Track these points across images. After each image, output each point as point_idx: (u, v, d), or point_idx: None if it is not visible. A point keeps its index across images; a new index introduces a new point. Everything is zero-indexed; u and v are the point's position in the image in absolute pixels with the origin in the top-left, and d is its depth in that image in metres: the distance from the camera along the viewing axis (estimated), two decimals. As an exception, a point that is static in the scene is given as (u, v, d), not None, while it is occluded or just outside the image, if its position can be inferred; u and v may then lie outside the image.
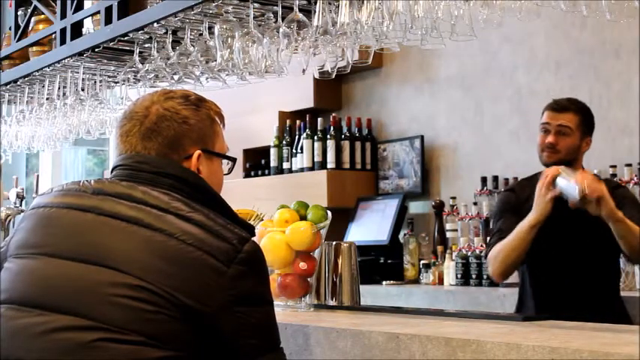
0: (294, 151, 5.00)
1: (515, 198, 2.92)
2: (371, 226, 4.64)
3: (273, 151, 5.11)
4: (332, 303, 2.33)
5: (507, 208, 2.91)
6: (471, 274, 4.10)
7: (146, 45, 2.86)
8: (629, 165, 3.75)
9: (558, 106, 2.85)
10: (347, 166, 4.86)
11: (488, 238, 3.27)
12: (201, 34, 2.68)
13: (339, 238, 4.14)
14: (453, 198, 4.45)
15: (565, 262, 2.81)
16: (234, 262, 1.53)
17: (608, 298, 2.84)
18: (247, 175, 5.35)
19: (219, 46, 2.60)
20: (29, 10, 3.49)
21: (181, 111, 1.71)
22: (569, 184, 2.60)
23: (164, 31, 2.73)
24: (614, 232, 2.63)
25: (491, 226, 3.10)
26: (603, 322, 1.90)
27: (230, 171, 1.83)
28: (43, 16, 3.43)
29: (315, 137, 4.88)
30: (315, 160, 4.86)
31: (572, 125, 2.81)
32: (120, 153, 1.72)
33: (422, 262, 4.42)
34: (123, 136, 1.72)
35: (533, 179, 2.86)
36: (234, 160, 1.83)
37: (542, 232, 2.70)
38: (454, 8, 2.15)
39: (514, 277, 3.81)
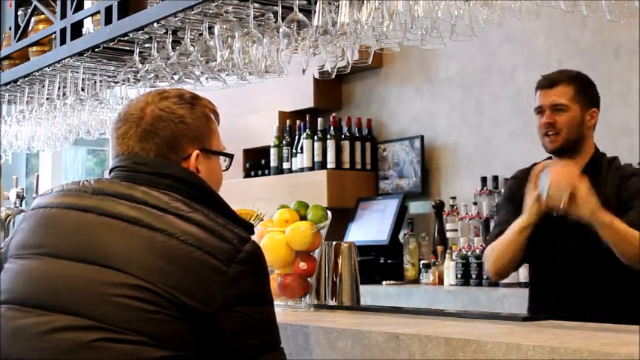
0: (294, 151, 5.00)
1: (517, 187, 2.67)
2: (371, 226, 4.64)
3: (273, 151, 5.11)
4: (332, 303, 2.33)
5: (508, 199, 2.72)
6: (471, 274, 4.09)
7: (146, 45, 2.86)
8: (629, 165, 3.74)
9: (547, 82, 2.60)
10: (347, 166, 4.86)
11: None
12: (201, 34, 2.68)
13: (339, 238, 4.14)
14: (453, 198, 4.45)
15: (568, 267, 2.59)
16: (235, 262, 1.53)
17: (620, 305, 2.52)
18: (247, 175, 5.35)
19: (219, 46, 2.60)
20: (29, 10, 3.49)
21: (177, 110, 1.71)
22: (545, 183, 2.35)
23: (164, 31, 2.73)
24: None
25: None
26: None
27: (228, 167, 1.83)
28: (43, 16, 3.43)
29: (315, 137, 4.88)
30: (315, 160, 4.86)
31: (565, 100, 2.55)
32: (117, 155, 1.72)
33: (422, 262, 4.42)
34: (119, 139, 1.72)
35: (532, 169, 2.61)
36: (231, 156, 1.83)
37: (543, 232, 2.52)
38: (454, 8, 2.15)
39: (513, 277, 3.83)
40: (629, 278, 2.55)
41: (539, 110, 2.62)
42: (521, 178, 2.65)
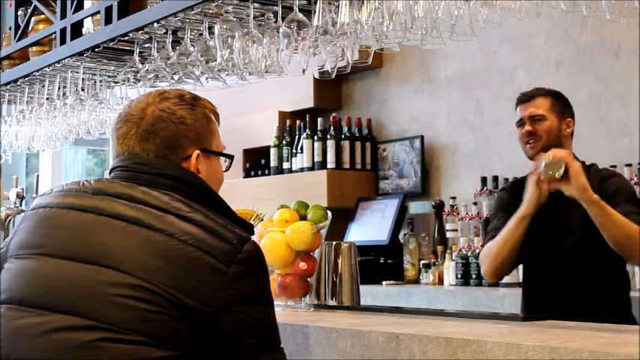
0: (294, 151, 5.00)
1: (508, 197, 2.81)
2: (371, 226, 4.64)
3: (273, 151, 5.12)
4: (332, 303, 2.33)
5: (501, 208, 2.81)
6: (471, 274, 4.10)
7: (146, 45, 2.86)
8: (629, 165, 3.75)
9: (525, 97, 2.78)
10: (347, 166, 4.86)
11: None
12: (201, 34, 2.68)
13: (339, 238, 4.14)
14: (453, 198, 4.45)
15: (558, 262, 2.68)
16: (235, 262, 1.53)
17: (608, 301, 2.65)
18: (247, 175, 5.35)
19: (219, 46, 2.60)
20: (29, 10, 3.49)
21: (177, 111, 1.71)
22: (543, 163, 2.52)
23: (164, 31, 2.73)
24: (592, 219, 2.46)
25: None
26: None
27: (228, 168, 1.84)
28: (43, 16, 3.43)
29: (315, 137, 4.88)
30: (315, 160, 4.86)
31: (543, 111, 2.72)
32: (117, 155, 1.72)
33: (422, 262, 4.42)
34: (120, 139, 1.72)
35: (522, 179, 2.75)
36: (231, 157, 1.83)
37: (536, 230, 2.60)
38: (454, 8, 2.15)
39: (513, 277, 3.83)
40: (620, 276, 2.72)
41: (520, 123, 2.78)
42: (512, 190, 2.81)
